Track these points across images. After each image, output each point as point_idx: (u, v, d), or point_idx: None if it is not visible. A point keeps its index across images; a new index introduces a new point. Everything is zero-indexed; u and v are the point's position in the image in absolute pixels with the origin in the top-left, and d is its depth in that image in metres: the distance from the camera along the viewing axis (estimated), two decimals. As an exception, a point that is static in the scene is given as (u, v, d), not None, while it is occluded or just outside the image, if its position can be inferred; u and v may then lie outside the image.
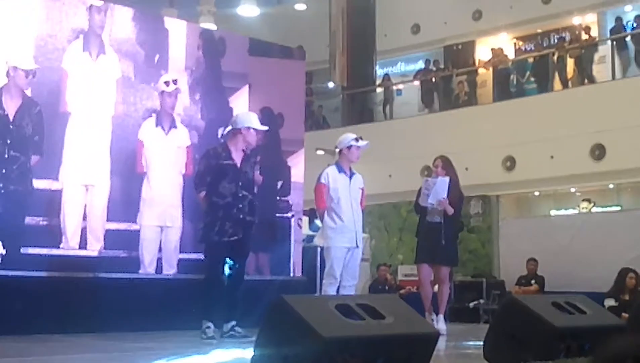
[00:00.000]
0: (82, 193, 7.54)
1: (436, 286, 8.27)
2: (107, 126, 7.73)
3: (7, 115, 6.88)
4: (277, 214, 8.86)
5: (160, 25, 8.43)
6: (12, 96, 6.94)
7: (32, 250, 7.11)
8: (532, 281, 12.19)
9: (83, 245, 7.48)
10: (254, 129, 6.69)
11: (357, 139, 7.21)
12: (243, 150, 6.68)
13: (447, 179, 7.80)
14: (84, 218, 7.50)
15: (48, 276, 7.03)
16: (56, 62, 7.48)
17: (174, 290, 7.55)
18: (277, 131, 8.91)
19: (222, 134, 7.31)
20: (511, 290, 12.16)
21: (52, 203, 7.33)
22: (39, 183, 7.16)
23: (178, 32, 8.47)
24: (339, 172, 7.17)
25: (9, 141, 6.87)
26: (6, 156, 6.85)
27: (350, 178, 7.20)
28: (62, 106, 7.49)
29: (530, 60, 17.22)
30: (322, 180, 7.15)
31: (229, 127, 6.73)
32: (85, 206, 7.53)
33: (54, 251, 7.30)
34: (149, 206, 7.77)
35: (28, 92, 7.10)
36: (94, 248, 7.54)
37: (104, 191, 7.63)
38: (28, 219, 7.12)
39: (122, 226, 7.72)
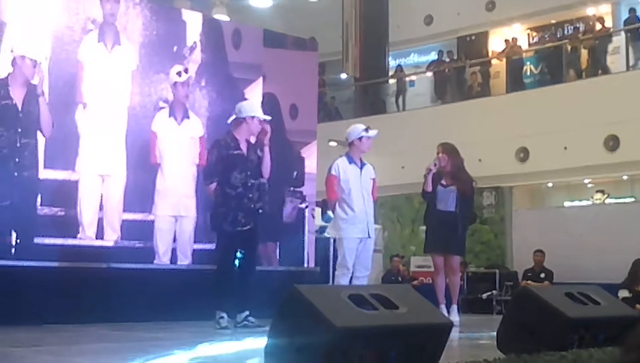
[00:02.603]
0: (98, 184, 7.58)
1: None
2: (122, 117, 7.77)
3: (15, 104, 6.91)
4: (291, 205, 8.87)
5: (177, 17, 8.46)
6: (18, 85, 6.96)
7: (49, 240, 7.15)
8: (542, 275, 12.11)
9: (100, 235, 7.53)
10: (257, 118, 6.73)
11: (367, 130, 7.21)
12: (246, 139, 6.72)
13: None
14: (101, 208, 7.55)
15: (64, 266, 7.07)
16: (72, 54, 7.51)
17: (189, 280, 7.58)
18: (283, 122, 8.91)
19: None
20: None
21: (69, 193, 7.37)
22: (56, 174, 7.23)
23: (194, 24, 8.48)
24: (350, 163, 7.18)
25: (19, 130, 6.91)
26: (18, 144, 6.90)
27: (361, 168, 7.21)
28: (78, 97, 7.53)
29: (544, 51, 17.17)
30: (333, 171, 7.15)
31: (233, 117, 6.77)
32: (102, 196, 7.58)
33: (70, 242, 7.35)
34: (163, 197, 7.80)
35: (37, 82, 7.12)
36: (111, 238, 7.59)
37: (120, 182, 7.67)
38: (46, 210, 7.18)
39: (137, 216, 7.76)
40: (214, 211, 6.72)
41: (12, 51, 6.98)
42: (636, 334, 1.37)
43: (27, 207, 6.99)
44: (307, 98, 9.36)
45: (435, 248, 7.95)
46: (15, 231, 6.92)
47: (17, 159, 6.89)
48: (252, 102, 7.20)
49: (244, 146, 6.69)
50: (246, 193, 6.62)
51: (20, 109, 6.92)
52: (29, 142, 6.95)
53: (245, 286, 6.66)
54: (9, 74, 6.97)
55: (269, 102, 8.63)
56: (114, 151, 7.67)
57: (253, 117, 6.70)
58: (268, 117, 6.97)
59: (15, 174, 6.89)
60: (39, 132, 7.03)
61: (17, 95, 6.93)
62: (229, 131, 6.80)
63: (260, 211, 6.74)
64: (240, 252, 6.67)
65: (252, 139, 6.86)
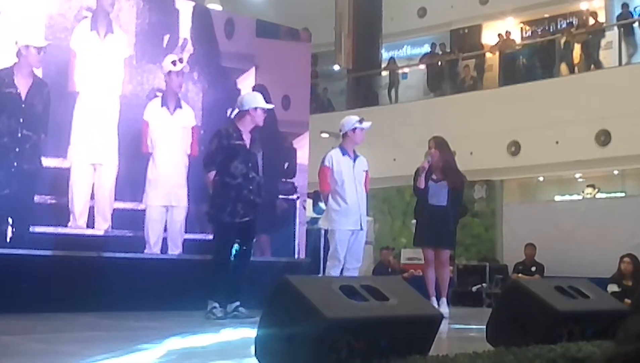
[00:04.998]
0: (90, 172, 7.57)
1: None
2: (114, 106, 7.75)
3: (19, 93, 6.90)
4: (283, 196, 8.88)
5: (169, 5, 8.42)
6: (23, 75, 6.96)
7: (40, 229, 7.15)
8: (533, 269, 12.17)
9: (90, 224, 7.52)
10: (261, 108, 6.72)
11: (360, 121, 7.22)
12: (250, 131, 6.70)
13: None
14: (92, 197, 7.54)
15: (55, 255, 7.06)
16: (65, 42, 7.49)
17: (179, 270, 7.58)
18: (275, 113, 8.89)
19: (230, 116, 7.29)
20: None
21: (60, 181, 7.36)
22: (48, 162, 7.20)
23: (186, 13, 8.45)
24: (343, 155, 7.19)
25: (21, 120, 6.90)
26: (19, 134, 6.89)
27: (354, 160, 7.22)
28: (71, 85, 7.51)
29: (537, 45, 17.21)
30: (326, 163, 7.16)
31: (236, 111, 6.75)
32: (93, 185, 7.57)
33: (62, 230, 7.34)
34: (154, 187, 7.79)
35: (38, 72, 7.11)
36: (101, 227, 7.58)
37: (111, 171, 7.66)
38: (37, 198, 7.16)
39: (128, 205, 7.75)
40: (212, 201, 6.70)
41: (16, 43, 6.95)
42: (629, 326, 1.38)
43: (25, 197, 6.97)
44: (300, 89, 9.35)
45: (426, 241, 7.99)
46: (12, 220, 6.91)
47: (17, 149, 6.88)
48: (254, 93, 7.14)
49: (246, 137, 6.67)
50: (246, 185, 6.60)
51: (23, 99, 6.91)
52: (31, 136, 6.93)
53: (240, 278, 6.67)
54: (14, 64, 6.96)
55: (261, 93, 8.61)
56: (106, 139, 7.65)
57: (256, 108, 6.69)
58: (271, 106, 6.96)
59: (15, 164, 6.87)
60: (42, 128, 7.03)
61: (22, 85, 6.93)
62: (232, 121, 6.78)
63: (258, 201, 6.74)
64: (237, 244, 6.67)
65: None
